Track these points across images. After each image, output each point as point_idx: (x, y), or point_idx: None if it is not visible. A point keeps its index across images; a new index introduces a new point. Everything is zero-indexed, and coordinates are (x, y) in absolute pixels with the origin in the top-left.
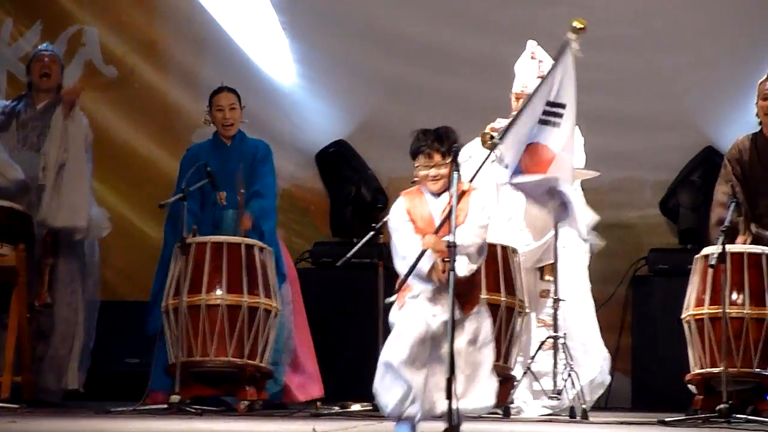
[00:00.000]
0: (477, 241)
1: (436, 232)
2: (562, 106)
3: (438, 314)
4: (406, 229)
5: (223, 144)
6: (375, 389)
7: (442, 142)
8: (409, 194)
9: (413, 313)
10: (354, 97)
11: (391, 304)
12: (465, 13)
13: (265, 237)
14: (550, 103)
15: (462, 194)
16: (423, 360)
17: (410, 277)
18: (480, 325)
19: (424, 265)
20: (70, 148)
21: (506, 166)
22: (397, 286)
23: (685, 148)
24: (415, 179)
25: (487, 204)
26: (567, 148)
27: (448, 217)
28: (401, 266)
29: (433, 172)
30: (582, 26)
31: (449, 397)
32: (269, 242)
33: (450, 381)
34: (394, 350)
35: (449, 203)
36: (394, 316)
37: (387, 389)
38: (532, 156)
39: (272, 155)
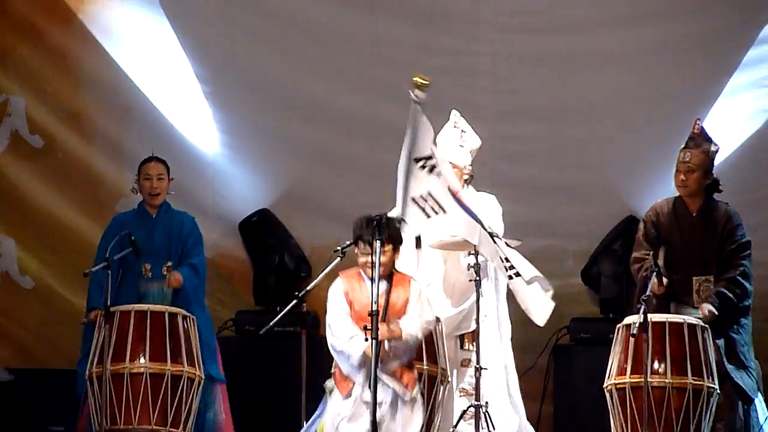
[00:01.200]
0: (419, 336)
1: (383, 319)
2: (429, 157)
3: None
4: (341, 310)
5: (149, 214)
6: None
7: (381, 232)
8: (348, 277)
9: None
10: (277, 166)
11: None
12: (382, 83)
13: (191, 305)
14: (417, 159)
15: (399, 280)
16: None
17: (343, 366)
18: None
19: (356, 354)
20: None
21: (432, 210)
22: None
23: (607, 216)
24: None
25: (429, 297)
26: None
27: (386, 305)
28: (333, 341)
29: (367, 259)
30: (425, 82)
31: None
32: (197, 312)
33: None
34: None
35: (388, 290)
36: (336, 405)
37: None
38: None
39: (198, 228)
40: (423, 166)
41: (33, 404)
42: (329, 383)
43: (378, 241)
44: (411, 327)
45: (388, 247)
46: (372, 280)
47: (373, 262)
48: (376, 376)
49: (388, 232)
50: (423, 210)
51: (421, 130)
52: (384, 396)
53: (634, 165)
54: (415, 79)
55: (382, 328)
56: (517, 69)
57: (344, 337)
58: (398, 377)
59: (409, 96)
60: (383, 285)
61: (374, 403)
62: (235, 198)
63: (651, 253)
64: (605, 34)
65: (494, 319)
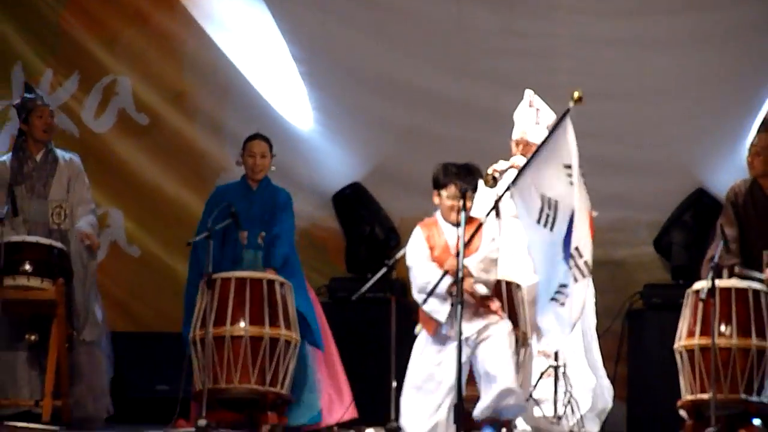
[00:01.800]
0: (488, 268)
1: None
2: (570, 166)
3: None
4: (423, 259)
5: (250, 188)
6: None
7: (473, 178)
8: (426, 225)
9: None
10: (368, 143)
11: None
12: (470, 66)
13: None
14: (566, 165)
15: (476, 226)
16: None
17: (431, 299)
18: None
19: (444, 286)
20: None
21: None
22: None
23: (678, 190)
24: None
25: (496, 236)
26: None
27: (466, 244)
28: (419, 297)
29: (455, 202)
30: (580, 96)
31: (457, 421)
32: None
33: (457, 407)
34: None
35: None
36: (419, 346)
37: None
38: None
39: (292, 203)
40: (568, 174)
41: (139, 365)
42: (418, 327)
43: (470, 189)
44: (482, 262)
45: (473, 194)
46: (457, 224)
47: (459, 207)
48: (460, 338)
49: (476, 181)
50: (541, 211)
51: (568, 139)
52: (470, 331)
53: (702, 142)
54: (575, 93)
55: (467, 282)
56: (594, 51)
57: (430, 278)
58: (484, 310)
59: (567, 109)
60: (461, 228)
61: (459, 341)
62: (329, 173)
63: (722, 229)
64: (678, 18)
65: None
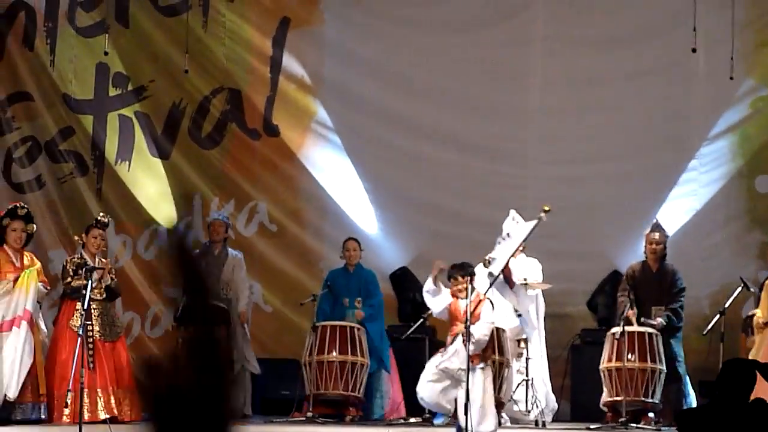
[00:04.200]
0: (486, 333)
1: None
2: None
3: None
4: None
5: (348, 271)
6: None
7: (464, 271)
8: (452, 294)
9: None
10: (411, 241)
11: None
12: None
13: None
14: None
15: (477, 301)
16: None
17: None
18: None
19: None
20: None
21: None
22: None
23: (601, 270)
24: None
25: (492, 309)
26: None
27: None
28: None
29: (460, 287)
30: (548, 209)
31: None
32: (372, 326)
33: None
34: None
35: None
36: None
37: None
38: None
39: (376, 279)
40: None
41: (272, 379)
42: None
43: (467, 278)
44: (480, 330)
45: (466, 280)
46: (464, 299)
47: (461, 290)
48: (468, 369)
49: (465, 272)
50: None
51: (525, 229)
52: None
53: (617, 238)
54: (544, 208)
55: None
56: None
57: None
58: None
59: (540, 217)
60: (466, 301)
61: (468, 369)
62: (388, 260)
63: (627, 293)
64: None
65: (536, 330)
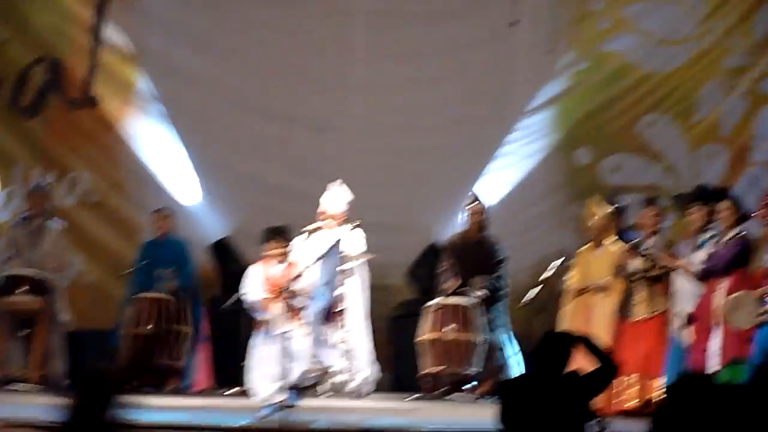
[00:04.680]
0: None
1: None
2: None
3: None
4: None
5: (159, 241)
6: None
7: (283, 236)
8: (262, 262)
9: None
10: (234, 208)
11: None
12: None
13: None
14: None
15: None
16: None
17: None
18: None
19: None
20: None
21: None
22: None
23: (420, 243)
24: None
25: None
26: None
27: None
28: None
29: (278, 251)
30: (359, 223)
31: None
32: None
33: None
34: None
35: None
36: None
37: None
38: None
39: (188, 249)
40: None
41: (89, 351)
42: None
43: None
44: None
45: (284, 245)
46: (280, 263)
47: (279, 255)
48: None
49: (285, 236)
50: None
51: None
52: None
53: (436, 207)
54: (356, 222)
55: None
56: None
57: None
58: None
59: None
60: (283, 266)
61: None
62: (210, 231)
63: (450, 263)
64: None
65: (360, 300)
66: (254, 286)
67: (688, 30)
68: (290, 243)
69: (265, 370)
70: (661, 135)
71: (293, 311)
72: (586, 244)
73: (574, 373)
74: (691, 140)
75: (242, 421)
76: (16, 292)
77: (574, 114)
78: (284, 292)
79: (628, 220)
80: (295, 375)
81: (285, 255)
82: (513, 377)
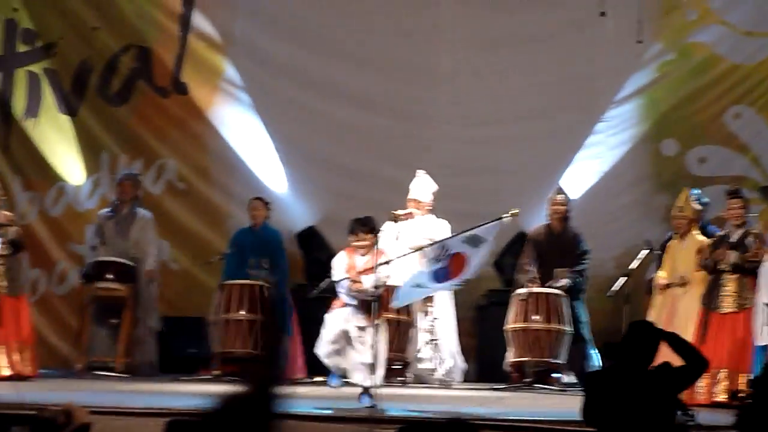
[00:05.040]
0: (374, 285)
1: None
2: (484, 240)
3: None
4: (343, 269)
5: (253, 230)
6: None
7: (368, 227)
8: (348, 251)
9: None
10: (319, 197)
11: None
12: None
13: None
14: (479, 238)
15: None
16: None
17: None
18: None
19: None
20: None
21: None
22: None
23: (507, 232)
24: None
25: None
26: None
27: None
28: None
29: (362, 243)
30: (516, 212)
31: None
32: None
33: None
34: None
35: (372, 260)
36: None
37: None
38: (455, 262)
39: (282, 239)
40: (479, 241)
41: (179, 338)
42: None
43: (371, 233)
44: (370, 282)
45: (370, 236)
46: (362, 255)
47: (364, 246)
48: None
49: (371, 227)
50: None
51: (493, 229)
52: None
53: (523, 197)
54: (511, 211)
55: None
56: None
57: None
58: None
59: (502, 218)
60: (366, 258)
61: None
62: (296, 219)
63: (535, 254)
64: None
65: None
66: (339, 272)
67: None
68: (375, 234)
69: (353, 357)
70: (746, 127)
71: (379, 300)
72: (673, 235)
73: (664, 365)
74: None
75: (330, 410)
76: (104, 278)
77: (662, 105)
78: (369, 281)
79: (711, 211)
80: (381, 364)
81: (370, 246)
82: (599, 368)
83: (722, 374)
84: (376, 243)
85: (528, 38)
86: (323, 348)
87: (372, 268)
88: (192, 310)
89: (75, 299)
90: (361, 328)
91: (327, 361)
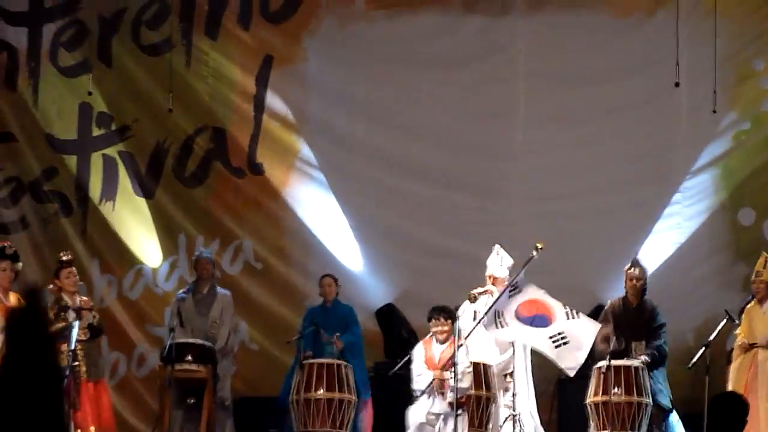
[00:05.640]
0: (468, 384)
1: (442, 368)
2: (517, 286)
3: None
4: (420, 359)
5: (326, 307)
6: None
7: (447, 313)
8: (425, 342)
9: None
10: (396, 273)
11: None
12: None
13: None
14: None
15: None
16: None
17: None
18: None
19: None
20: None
21: (501, 324)
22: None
23: (585, 305)
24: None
25: (466, 353)
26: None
27: (451, 358)
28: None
29: (441, 329)
30: (542, 247)
31: None
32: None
33: None
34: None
35: (450, 348)
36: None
37: None
38: (527, 305)
39: (354, 314)
40: (512, 292)
41: (259, 417)
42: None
43: (450, 321)
44: (465, 384)
45: (449, 322)
46: (441, 342)
47: (443, 332)
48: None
49: (449, 313)
50: (494, 320)
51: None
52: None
53: (600, 270)
54: (538, 245)
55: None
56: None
57: (419, 376)
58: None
59: (532, 255)
60: (444, 346)
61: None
62: (373, 297)
63: (612, 327)
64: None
65: (523, 365)
66: (419, 365)
67: None
68: (454, 320)
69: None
70: None
71: (455, 390)
72: (752, 299)
73: None
74: None
75: None
76: (184, 360)
77: (737, 174)
78: (445, 371)
79: None
80: None
81: (449, 332)
82: None
83: None
84: (454, 331)
85: (602, 111)
86: None
87: (451, 359)
88: (270, 390)
89: (155, 381)
90: (444, 418)
91: None
